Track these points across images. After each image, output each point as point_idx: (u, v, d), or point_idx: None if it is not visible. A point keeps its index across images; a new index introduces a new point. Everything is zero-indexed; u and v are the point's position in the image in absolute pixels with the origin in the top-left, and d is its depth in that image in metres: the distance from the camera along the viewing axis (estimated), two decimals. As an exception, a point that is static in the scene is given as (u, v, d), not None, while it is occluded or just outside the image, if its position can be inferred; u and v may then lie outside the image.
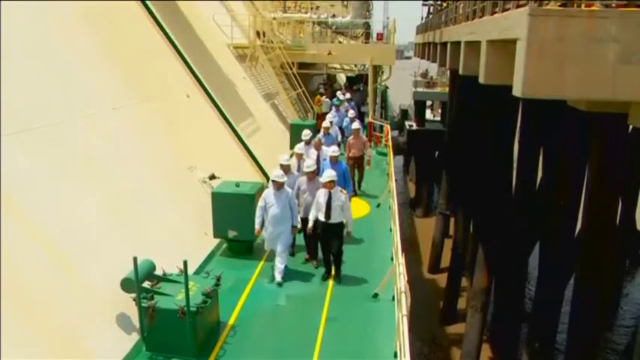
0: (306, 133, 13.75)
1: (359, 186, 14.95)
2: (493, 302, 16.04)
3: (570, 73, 7.85)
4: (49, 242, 7.37)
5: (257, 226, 9.52)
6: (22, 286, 6.63)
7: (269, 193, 9.43)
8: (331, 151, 11.81)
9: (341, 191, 9.38)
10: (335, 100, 21.34)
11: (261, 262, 10.16)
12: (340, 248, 9.44)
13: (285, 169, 10.09)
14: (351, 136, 15.17)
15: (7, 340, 5.97)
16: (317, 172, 10.41)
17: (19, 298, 6.47)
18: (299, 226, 9.94)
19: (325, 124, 15.59)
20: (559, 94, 8.13)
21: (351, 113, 18.45)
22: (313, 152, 13.02)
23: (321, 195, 9.24)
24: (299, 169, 11.53)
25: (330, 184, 9.22)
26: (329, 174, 9.32)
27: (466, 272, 19.36)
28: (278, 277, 9.34)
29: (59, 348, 6.47)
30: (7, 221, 6.95)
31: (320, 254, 10.02)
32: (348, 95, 23.50)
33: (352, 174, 14.01)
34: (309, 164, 10.12)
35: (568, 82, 7.85)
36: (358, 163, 14.91)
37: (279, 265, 9.40)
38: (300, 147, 12.96)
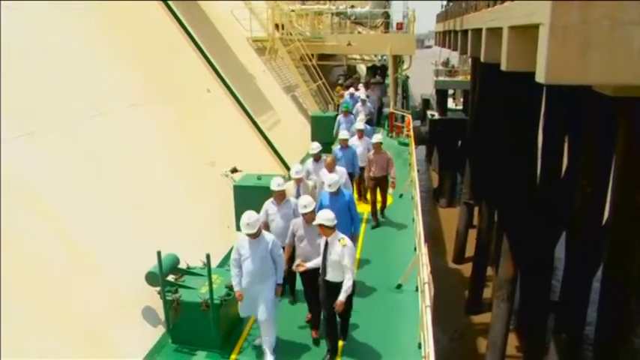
0: (315, 147, 11.02)
1: (382, 213, 12.45)
2: (519, 292, 15.86)
3: (595, 57, 7.66)
4: (73, 239, 7.48)
5: (236, 288, 7.04)
6: (49, 282, 6.74)
7: (242, 241, 7.00)
8: (328, 182, 8.65)
9: (340, 241, 6.79)
10: (344, 103, 18.41)
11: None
12: (346, 311, 7.12)
13: (280, 196, 8.26)
14: (372, 152, 12.09)
15: (36, 335, 6.08)
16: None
17: (46, 294, 6.58)
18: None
19: (344, 134, 12.47)
20: (584, 80, 7.94)
21: (360, 118, 15.40)
22: (325, 172, 9.93)
23: (321, 240, 7.08)
24: (299, 194, 9.03)
25: (325, 230, 6.82)
26: (323, 216, 6.82)
27: (491, 262, 19.18)
28: (269, 357, 7.11)
29: (86, 342, 6.57)
30: (31, 219, 7.06)
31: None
32: (363, 93, 19.71)
33: (374, 197, 12.05)
34: (305, 202, 7.37)
35: (593, 66, 7.66)
36: (381, 185, 12.05)
37: (267, 338, 7.15)
38: (307, 166, 10.86)
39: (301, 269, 7.35)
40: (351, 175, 11.50)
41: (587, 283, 13.16)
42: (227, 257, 9.83)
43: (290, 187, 9.16)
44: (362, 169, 12.53)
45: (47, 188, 7.59)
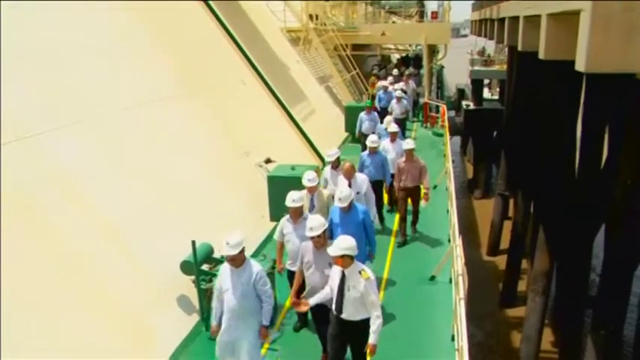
0: (332, 153, 9.60)
1: (413, 227, 10.97)
2: (555, 285, 15.57)
3: (639, 44, 7.42)
4: (111, 229, 7.65)
5: (213, 322, 6.06)
6: (88, 272, 6.91)
7: (224, 269, 5.91)
8: (339, 195, 7.30)
9: (362, 273, 5.52)
10: (369, 99, 17.50)
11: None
12: (365, 349, 5.81)
13: (295, 213, 7.15)
14: (402, 158, 10.54)
15: (76, 324, 6.25)
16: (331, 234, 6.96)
17: (86, 283, 6.75)
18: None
19: (373, 140, 10.94)
20: (627, 68, 7.71)
21: (387, 120, 13.89)
22: (343, 181, 8.72)
23: (335, 273, 5.72)
24: (313, 205, 8.15)
25: (342, 260, 5.51)
26: (342, 244, 5.49)
27: (526, 254, 18.87)
28: None
29: (123, 329, 6.72)
30: (71, 211, 7.24)
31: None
32: (399, 88, 18.60)
33: (403, 211, 10.53)
34: (312, 224, 6.06)
35: (637, 54, 7.43)
36: (412, 196, 10.54)
37: None
38: (325, 174, 9.74)
39: (304, 309, 6.09)
40: (380, 183, 10.78)
41: (627, 278, 12.84)
42: (261, 247, 9.93)
43: (304, 198, 7.81)
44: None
45: (87, 179, 7.77)
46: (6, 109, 7.10)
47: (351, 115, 17.80)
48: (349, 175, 8.66)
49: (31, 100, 7.71)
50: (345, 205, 7.15)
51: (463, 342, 5.86)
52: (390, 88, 19.40)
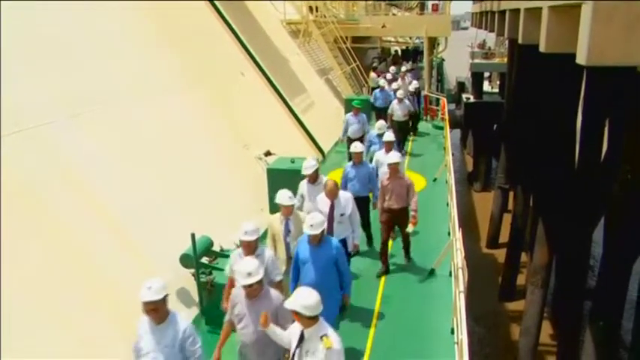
0: (309, 165, 8.09)
1: (406, 253, 9.33)
2: (554, 278, 15.60)
3: (640, 37, 7.40)
4: (112, 220, 7.65)
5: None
6: (88, 264, 6.92)
7: (142, 323, 4.78)
8: (310, 221, 5.93)
9: (324, 340, 4.20)
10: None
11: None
12: None
13: (249, 247, 5.73)
14: (386, 175, 8.85)
15: (75, 315, 6.26)
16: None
17: (85, 276, 6.76)
18: None
19: (357, 146, 9.51)
20: (628, 61, 7.69)
21: (380, 124, 12.12)
22: (323, 201, 7.35)
23: (296, 327, 4.46)
24: (289, 230, 6.91)
25: (299, 318, 4.30)
26: (302, 299, 4.26)
27: (526, 248, 18.90)
28: None
29: (122, 320, 6.72)
30: (75, 201, 7.25)
31: None
32: (401, 89, 16.95)
33: (386, 236, 8.90)
34: (248, 269, 4.74)
35: (638, 47, 7.40)
36: (399, 219, 8.86)
37: None
38: (301, 189, 8.21)
39: None
40: (366, 200, 9.30)
41: (626, 271, 12.86)
42: (261, 240, 9.91)
43: (275, 223, 6.94)
44: None
45: (88, 171, 7.77)
46: (10, 100, 7.10)
47: (350, 107, 17.76)
48: (332, 196, 7.25)
49: (35, 91, 7.70)
50: (316, 232, 5.83)
51: (463, 335, 5.87)
52: (387, 87, 18.13)
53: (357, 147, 9.44)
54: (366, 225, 9.36)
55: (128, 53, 10.33)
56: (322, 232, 5.92)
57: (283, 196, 6.78)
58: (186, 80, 11.60)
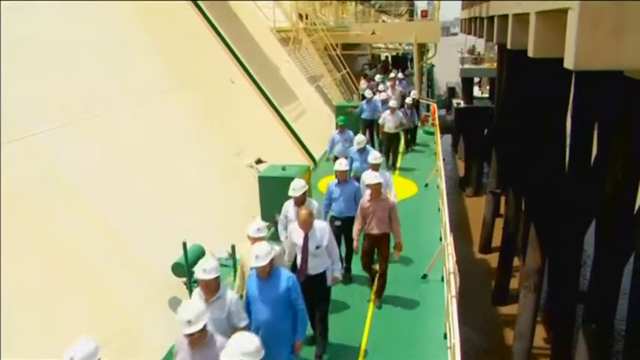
0: (297, 186, 7.50)
1: (378, 295, 8.20)
2: (547, 282, 15.66)
3: (628, 41, 7.45)
4: (104, 228, 7.62)
5: None
6: (81, 272, 6.87)
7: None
8: (257, 252, 5.39)
9: None
10: (340, 117, 13.96)
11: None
12: None
13: (208, 287, 5.15)
14: (366, 197, 7.96)
15: (68, 324, 6.21)
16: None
17: (78, 284, 6.71)
18: None
19: (338, 164, 8.85)
20: (615, 65, 7.74)
21: (359, 139, 11.15)
22: (296, 232, 6.74)
23: None
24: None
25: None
26: (239, 347, 3.93)
27: (518, 252, 18.96)
28: None
29: (115, 330, 6.68)
30: (67, 209, 7.21)
31: None
32: (393, 97, 16.88)
33: (367, 267, 8.22)
34: (189, 315, 4.38)
35: (625, 51, 7.45)
36: (380, 247, 7.99)
37: None
38: (286, 210, 7.71)
39: None
40: (352, 222, 8.24)
41: (618, 273, 12.93)
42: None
43: (245, 255, 6.37)
44: None
45: (79, 178, 7.74)
46: (3, 109, 7.08)
47: (341, 114, 17.74)
48: (306, 227, 6.58)
49: (26, 99, 7.67)
50: (262, 264, 5.27)
51: (455, 339, 5.87)
52: (377, 96, 17.34)
53: (341, 164, 8.81)
54: (348, 253, 8.75)
55: (119, 62, 10.31)
56: (271, 263, 5.32)
57: (252, 228, 6.22)
58: (177, 88, 11.58)
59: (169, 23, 12.89)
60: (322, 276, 6.66)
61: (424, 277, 8.94)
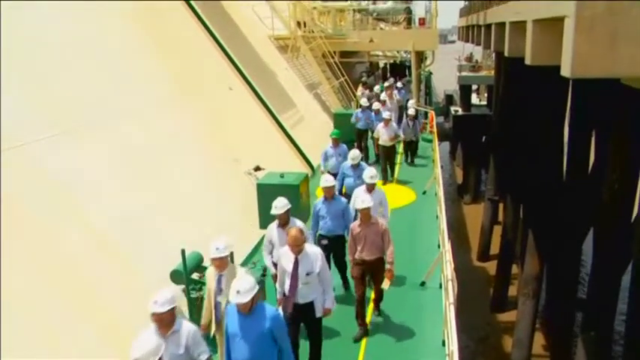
0: (280, 204, 7.08)
1: (376, 307, 8.07)
2: (545, 289, 15.64)
3: (624, 49, 7.48)
4: (103, 236, 7.62)
5: None
6: (78, 280, 6.86)
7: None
8: (243, 286, 4.88)
9: None
10: (333, 130, 13.33)
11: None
12: None
13: (162, 321, 4.72)
14: (357, 221, 7.60)
15: (64, 332, 6.20)
16: None
17: (76, 292, 6.70)
18: None
19: (325, 181, 8.41)
20: (612, 73, 7.77)
21: (354, 154, 10.48)
22: (286, 255, 6.18)
23: None
24: (220, 289, 6.09)
25: None
26: None
27: (516, 259, 18.95)
28: None
29: (113, 338, 6.66)
30: (64, 216, 7.21)
31: None
32: (375, 106, 16.56)
33: (360, 293, 7.59)
34: (140, 355, 4.23)
35: (622, 59, 7.48)
36: (373, 273, 7.67)
37: None
38: (270, 233, 7.32)
39: None
40: (341, 240, 8.19)
41: (616, 280, 12.92)
42: (250, 255, 9.89)
43: (210, 277, 6.08)
44: None
45: (78, 186, 7.75)
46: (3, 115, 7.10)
47: (339, 121, 17.78)
48: (296, 249, 6.04)
49: (22, 107, 7.67)
50: (243, 301, 4.80)
51: (453, 347, 5.86)
52: (377, 105, 16.94)
53: (327, 181, 8.34)
54: (342, 267, 8.58)
55: (117, 68, 10.33)
56: (253, 299, 4.84)
57: (212, 247, 5.73)
58: (174, 95, 11.61)
59: (168, 32, 12.94)
60: (311, 306, 6.18)
61: (422, 284, 8.94)
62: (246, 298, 4.78)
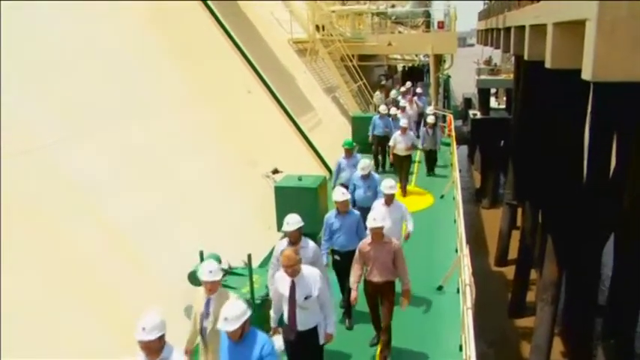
0: (292, 221, 6.55)
1: (386, 346, 7.05)
2: (564, 295, 15.47)
3: (646, 53, 7.42)
4: (120, 238, 7.70)
5: None
6: (96, 282, 6.95)
7: None
8: (230, 313, 4.62)
9: None
10: (346, 139, 12.41)
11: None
12: None
13: (146, 347, 4.51)
14: (367, 239, 6.87)
15: (82, 332, 6.28)
16: None
17: (94, 293, 6.78)
18: None
19: (340, 194, 7.79)
20: (634, 76, 7.69)
21: (364, 164, 9.82)
22: (283, 279, 5.72)
23: None
24: (208, 312, 5.74)
25: None
26: None
27: (535, 264, 18.77)
28: None
29: (129, 339, 6.73)
30: (81, 218, 7.31)
31: None
32: (405, 116, 15.94)
33: (375, 319, 7.18)
34: None
35: (643, 62, 7.42)
36: (383, 297, 6.93)
37: None
38: (278, 250, 6.64)
39: None
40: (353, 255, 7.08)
41: (637, 287, 12.74)
42: (268, 258, 9.92)
43: (198, 299, 5.73)
44: None
45: (95, 189, 7.84)
46: (15, 120, 7.20)
47: (357, 125, 17.79)
48: (291, 272, 5.55)
49: (39, 110, 7.80)
50: (231, 328, 4.57)
51: (471, 352, 5.84)
52: (394, 110, 16.45)
53: (343, 194, 7.78)
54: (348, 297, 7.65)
55: (136, 70, 10.46)
56: (243, 326, 4.60)
57: (204, 269, 5.48)
58: (193, 97, 11.72)
59: (187, 35, 13.05)
60: (313, 332, 5.70)
61: (440, 288, 8.91)
62: (234, 326, 4.55)
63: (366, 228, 6.99)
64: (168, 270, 7.81)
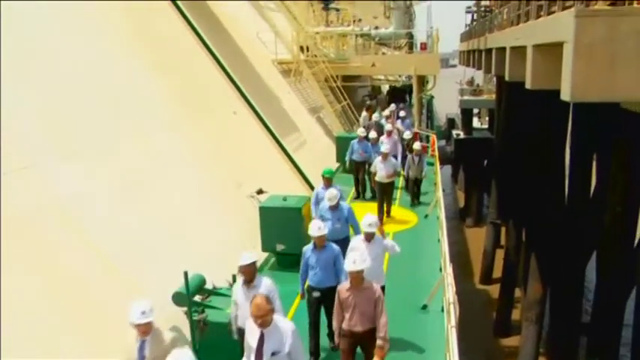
0: (245, 257, 6.07)
1: None
2: (549, 313, 15.55)
3: (622, 73, 7.60)
4: (104, 258, 7.62)
5: None
6: (81, 300, 6.87)
7: None
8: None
9: None
10: (326, 168, 10.98)
11: (309, 275, 10.17)
12: None
13: None
14: (346, 284, 6.23)
15: (68, 352, 6.19)
16: None
17: (78, 311, 6.71)
18: None
19: (316, 229, 7.19)
20: (611, 97, 7.88)
21: (330, 194, 8.64)
22: (251, 329, 5.17)
23: None
24: (142, 356, 5.26)
25: None
26: None
27: (519, 283, 18.88)
28: None
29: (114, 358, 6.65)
30: (65, 237, 7.25)
31: None
32: (371, 134, 14.96)
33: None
34: None
35: (620, 83, 7.60)
36: (364, 344, 6.30)
37: None
38: (236, 292, 6.33)
39: None
40: (332, 292, 6.64)
41: (620, 305, 12.87)
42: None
43: (131, 342, 5.19)
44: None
45: (79, 208, 7.79)
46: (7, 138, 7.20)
47: (341, 145, 17.87)
48: (261, 322, 4.94)
49: (28, 130, 7.77)
50: (336, 200, 4.38)
51: (456, 371, 5.84)
52: (373, 134, 15.20)
53: (319, 229, 7.22)
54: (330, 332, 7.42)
55: (124, 92, 10.46)
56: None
57: (135, 311, 5.00)
58: (179, 118, 11.72)
59: (174, 55, 13.11)
60: None
61: (424, 307, 8.91)
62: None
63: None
64: (153, 290, 7.72)
